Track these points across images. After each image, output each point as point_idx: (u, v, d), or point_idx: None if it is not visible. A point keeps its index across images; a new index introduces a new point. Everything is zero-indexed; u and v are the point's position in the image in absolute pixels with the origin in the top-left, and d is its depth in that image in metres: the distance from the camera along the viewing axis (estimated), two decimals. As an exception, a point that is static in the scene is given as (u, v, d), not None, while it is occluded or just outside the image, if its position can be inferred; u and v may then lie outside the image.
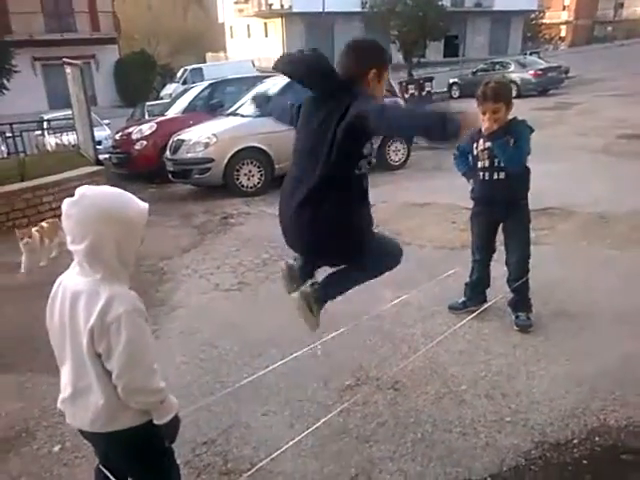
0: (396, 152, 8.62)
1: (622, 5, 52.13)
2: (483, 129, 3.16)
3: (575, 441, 2.43)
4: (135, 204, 1.59)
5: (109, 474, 1.79)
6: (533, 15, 44.09)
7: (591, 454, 2.35)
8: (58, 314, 1.60)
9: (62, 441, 2.66)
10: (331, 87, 2.01)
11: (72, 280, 1.58)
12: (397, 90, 9.83)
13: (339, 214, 2.02)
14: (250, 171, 7.58)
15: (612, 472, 2.26)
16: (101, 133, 12.80)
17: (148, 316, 1.62)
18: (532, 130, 3.23)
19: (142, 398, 1.57)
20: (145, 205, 1.62)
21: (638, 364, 2.94)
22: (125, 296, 1.55)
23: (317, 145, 1.99)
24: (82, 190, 1.54)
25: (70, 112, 10.42)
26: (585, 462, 2.31)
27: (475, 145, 3.33)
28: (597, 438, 2.44)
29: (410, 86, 19.57)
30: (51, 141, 13.09)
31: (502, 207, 3.32)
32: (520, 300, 3.43)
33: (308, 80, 2.06)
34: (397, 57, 25.86)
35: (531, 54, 25.24)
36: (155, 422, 1.62)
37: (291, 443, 2.31)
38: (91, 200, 1.52)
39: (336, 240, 2.08)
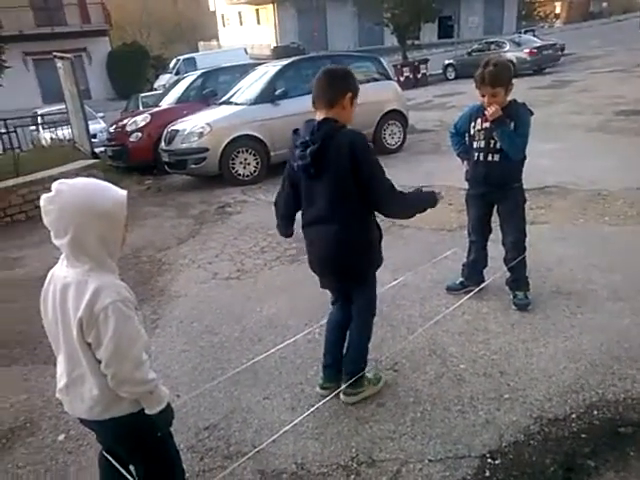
0: (392, 135, 8.58)
1: (617, -20, 51.57)
2: (488, 114, 3.12)
3: (574, 416, 2.45)
4: (112, 193, 1.59)
5: (112, 460, 1.82)
6: (527, -8, 43.64)
7: (590, 428, 2.37)
8: (51, 306, 1.62)
9: (66, 430, 2.70)
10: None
11: (61, 272, 1.60)
12: (392, 73, 9.76)
13: (363, 235, 2.45)
14: (246, 159, 7.55)
15: (610, 445, 2.28)
16: (96, 126, 12.76)
17: (138, 305, 1.63)
18: (532, 113, 3.21)
19: (130, 388, 1.58)
20: (123, 193, 1.61)
21: (635, 339, 2.96)
22: (113, 286, 1.55)
23: (334, 192, 2.32)
24: (57, 185, 1.53)
25: (64, 106, 10.39)
26: (584, 436, 2.33)
27: (473, 124, 3.31)
28: (595, 412, 2.46)
29: (405, 69, 19.51)
30: (46, 136, 13.07)
31: (496, 189, 3.31)
32: (518, 279, 3.43)
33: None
34: (391, 40, 25.66)
35: (526, 32, 25.05)
36: (146, 412, 1.64)
37: (291, 425, 2.34)
38: (68, 195, 1.51)
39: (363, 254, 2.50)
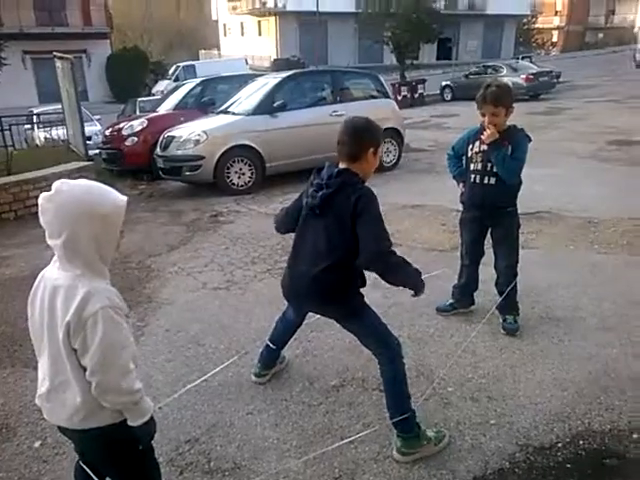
0: (388, 153, 8.62)
1: (613, 12, 52.65)
2: (484, 137, 3.15)
3: (559, 445, 2.44)
4: (112, 198, 1.56)
5: (89, 471, 1.77)
6: (526, 20, 44.46)
7: (575, 458, 2.36)
8: (38, 308, 1.58)
9: (43, 437, 2.63)
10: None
11: (52, 274, 1.56)
12: (390, 92, 9.83)
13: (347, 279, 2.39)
14: (241, 169, 7.53)
15: (595, 476, 2.26)
16: (92, 128, 12.70)
17: (128, 313, 1.60)
18: (530, 140, 3.23)
19: (114, 398, 1.54)
20: (123, 198, 1.59)
21: (622, 370, 2.96)
22: (103, 292, 1.52)
23: (331, 235, 2.31)
24: (58, 184, 1.51)
25: (60, 106, 10.33)
26: (569, 466, 2.32)
27: (470, 147, 3.32)
28: (581, 442, 2.45)
29: (403, 88, 19.70)
30: (40, 135, 12.96)
31: (491, 213, 3.32)
32: (508, 303, 3.43)
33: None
34: (390, 58, 25.91)
35: (523, 58, 25.38)
36: (128, 423, 1.60)
37: (275, 443, 2.29)
38: (67, 195, 1.49)
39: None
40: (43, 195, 1.50)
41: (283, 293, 2.58)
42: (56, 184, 1.51)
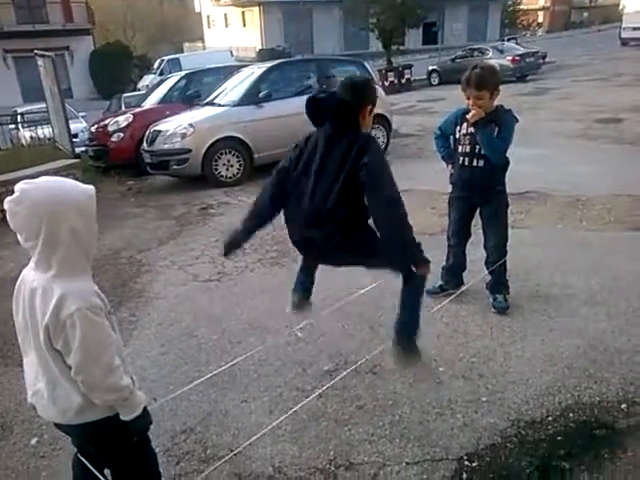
0: (376, 139, 8.60)
1: (598, -9, 52.68)
2: (469, 116, 3.14)
3: (550, 418, 2.48)
4: (81, 187, 1.56)
5: (87, 463, 1.79)
6: (511, 1, 44.29)
7: (565, 430, 2.40)
8: (21, 309, 1.58)
9: (39, 434, 2.64)
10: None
11: (30, 276, 1.56)
12: (376, 78, 9.80)
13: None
14: (229, 161, 7.51)
15: (585, 447, 2.30)
16: (77, 126, 12.57)
17: (111, 309, 1.60)
18: (517, 120, 3.23)
19: (102, 395, 1.54)
20: (92, 187, 1.59)
21: (611, 343, 3.00)
22: (79, 292, 1.50)
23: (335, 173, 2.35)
24: (21, 185, 1.48)
25: (44, 105, 10.23)
26: (559, 438, 2.36)
27: (458, 128, 3.32)
28: (571, 415, 2.49)
29: (390, 74, 19.62)
30: (26, 135, 12.82)
31: (479, 193, 3.34)
32: (497, 282, 3.46)
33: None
34: (376, 45, 25.79)
35: (509, 40, 25.34)
36: (121, 418, 1.60)
37: (269, 428, 2.32)
38: (35, 192, 1.47)
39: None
40: (9, 199, 1.46)
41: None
42: (19, 186, 1.47)
